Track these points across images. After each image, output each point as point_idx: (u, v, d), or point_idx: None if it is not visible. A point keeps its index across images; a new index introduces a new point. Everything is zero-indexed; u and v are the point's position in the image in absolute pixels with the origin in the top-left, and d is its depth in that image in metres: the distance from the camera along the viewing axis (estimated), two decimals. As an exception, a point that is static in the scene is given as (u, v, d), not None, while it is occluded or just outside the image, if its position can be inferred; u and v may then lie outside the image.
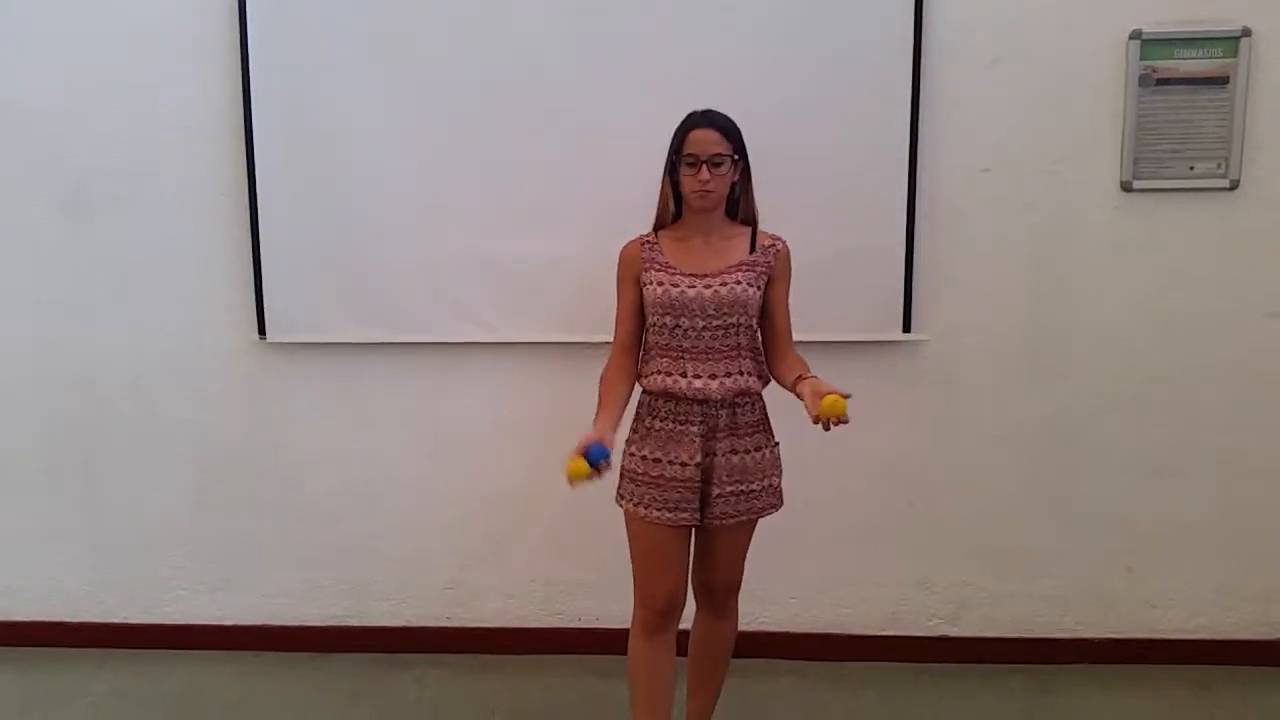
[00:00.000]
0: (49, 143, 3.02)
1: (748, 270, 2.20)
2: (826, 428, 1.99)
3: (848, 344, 2.92)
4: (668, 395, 2.20)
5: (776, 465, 2.31)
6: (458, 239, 2.94)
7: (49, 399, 3.15)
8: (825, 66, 2.82)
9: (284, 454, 3.13)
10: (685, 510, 2.20)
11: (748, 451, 2.23)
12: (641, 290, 2.24)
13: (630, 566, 2.31)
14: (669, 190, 2.24)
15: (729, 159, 2.15)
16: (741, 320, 2.18)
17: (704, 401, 2.18)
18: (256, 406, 3.12)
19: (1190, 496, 2.99)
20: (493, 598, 3.17)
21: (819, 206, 2.83)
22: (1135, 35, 2.79)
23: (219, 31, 2.93)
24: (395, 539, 3.15)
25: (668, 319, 2.19)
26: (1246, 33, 2.76)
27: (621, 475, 2.27)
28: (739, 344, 2.19)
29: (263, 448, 3.13)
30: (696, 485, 2.19)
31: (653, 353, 2.25)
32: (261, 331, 3.02)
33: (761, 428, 2.27)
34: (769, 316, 2.27)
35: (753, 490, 2.24)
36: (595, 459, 2.00)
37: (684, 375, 2.18)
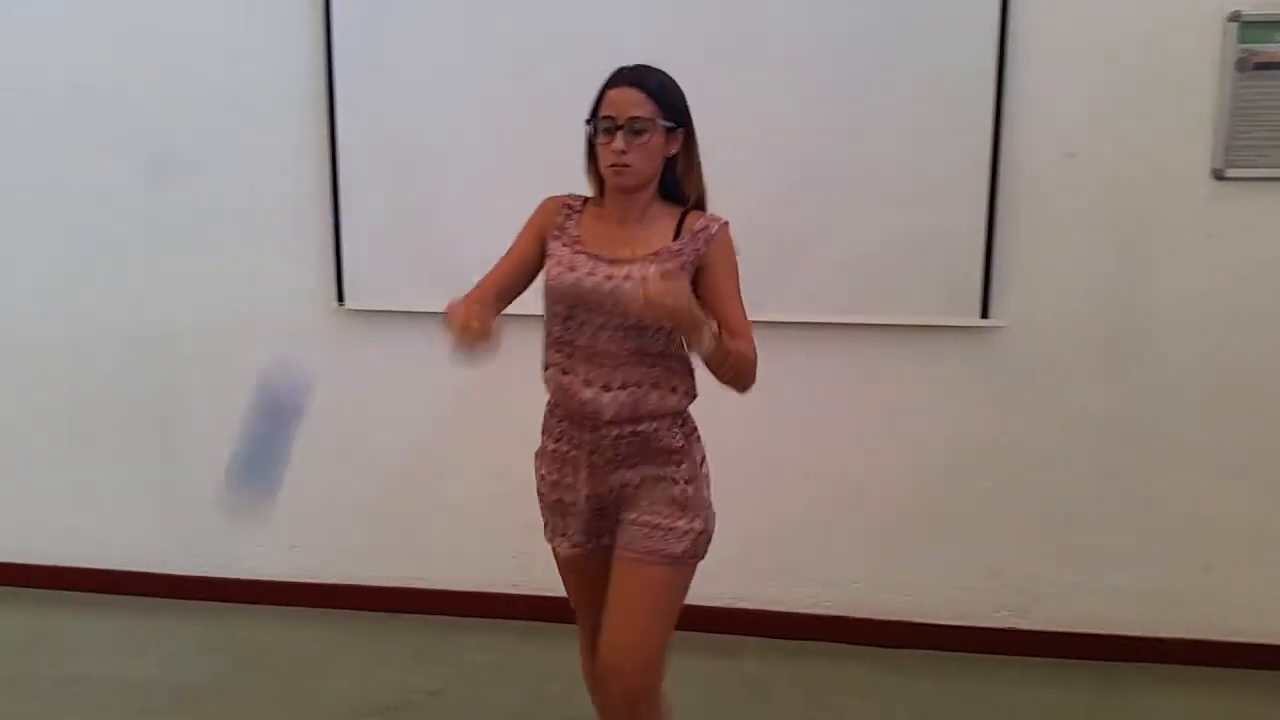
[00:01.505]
0: (135, 110, 3.13)
1: (667, 261, 1.77)
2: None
3: (924, 328, 2.90)
4: (561, 409, 1.89)
5: (701, 507, 1.86)
6: (533, 211, 2.96)
7: (132, 358, 3.27)
8: (908, 45, 2.78)
9: (359, 417, 3.19)
10: (588, 541, 1.93)
11: (666, 481, 1.84)
12: (543, 256, 1.90)
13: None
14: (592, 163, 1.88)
15: (654, 124, 1.75)
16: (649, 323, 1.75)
17: (594, 426, 1.82)
18: (332, 371, 3.17)
19: (1274, 496, 2.90)
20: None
21: (898, 188, 2.81)
22: (1234, 17, 2.70)
23: (304, 2, 3.00)
24: (464, 505, 3.21)
25: (559, 309, 1.83)
26: (1356, 14, 2.66)
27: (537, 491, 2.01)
28: (644, 350, 1.79)
29: (338, 411, 3.18)
30: (592, 516, 1.90)
31: (549, 342, 1.89)
32: (340, 298, 3.10)
33: (683, 458, 1.85)
34: (715, 316, 1.75)
35: (666, 527, 1.81)
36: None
37: (574, 375, 1.83)
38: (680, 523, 1.81)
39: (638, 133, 1.74)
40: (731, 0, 2.83)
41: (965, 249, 2.83)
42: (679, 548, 1.81)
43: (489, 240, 2.98)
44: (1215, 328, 2.85)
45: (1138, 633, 2.99)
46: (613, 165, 1.76)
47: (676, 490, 1.83)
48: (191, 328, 3.22)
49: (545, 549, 3.16)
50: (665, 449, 1.84)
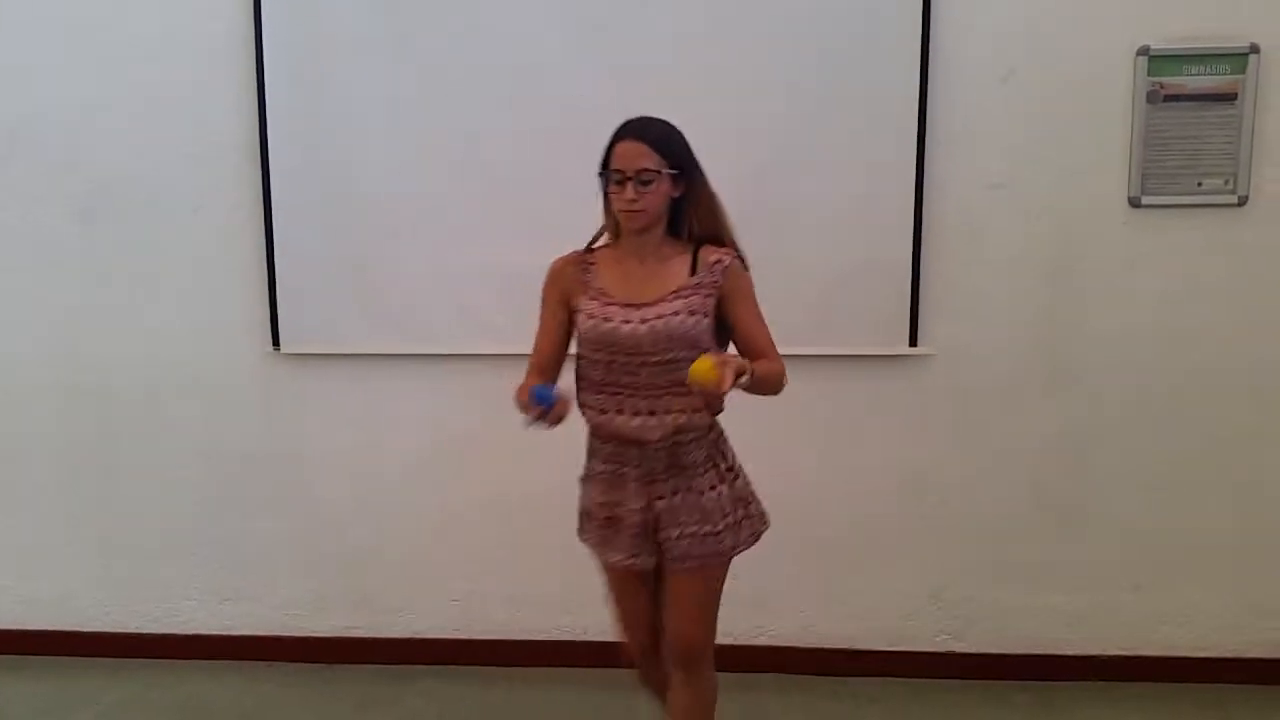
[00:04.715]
0: (66, 154, 3.07)
1: (690, 295, 1.97)
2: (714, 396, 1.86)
3: (855, 358, 2.94)
4: (606, 434, 2.04)
5: (740, 500, 2.08)
6: (470, 250, 2.96)
7: (64, 408, 3.18)
8: (832, 80, 2.83)
9: (296, 465, 3.15)
10: (639, 555, 2.05)
11: (700, 492, 2.02)
12: (572, 314, 2.05)
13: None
14: (608, 207, 2.03)
15: (660, 173, 1.92)
16: (684, 355, 1.90)
17: (641, 444, 2.00)
18: (269, 417, 3.15)
19: (1203, 511, 2.97)
20: (500, 609, 3.17)
21: (827, 221, 2.86)
22: (1143, 51, 2.80)
23: (235, 44, 2.97)
24: (404, 550, 3.17)
25: (600, 355, 1.99)
26: (1255, 49, 2.76)
27: (579, 512, 2.15)
28: (682, 381, 1.85)
29: (275, 458, 3.16)
30: (646, 529, 2.04)
31: (585, 385, 2.05)
32: (275, 343, 3.05)
33: (712, 465, 2.05)
34: (743, 339, 2.03)
35: (713, 532, 2.02)
36: (542, 399, 1.85)
37: (620, 412, 1.99)
38: (721, 523, 2.02)
39: (645, 182, 1.92)
40: (661, 49, 2.86)
41: (893, 279, 2.89)
42: (726, 544, 2.04)
43: (423, 280, 3.00)
44: (1139, 350, 2.93)
45: (1073, 651, 3.05)
46: (625, 212, 1.94)
47: (708, 498, 2.02)
48: (125, 376, 3.15)
49: (488, 593, 3.16)
50: (696, 462, 2.03)
